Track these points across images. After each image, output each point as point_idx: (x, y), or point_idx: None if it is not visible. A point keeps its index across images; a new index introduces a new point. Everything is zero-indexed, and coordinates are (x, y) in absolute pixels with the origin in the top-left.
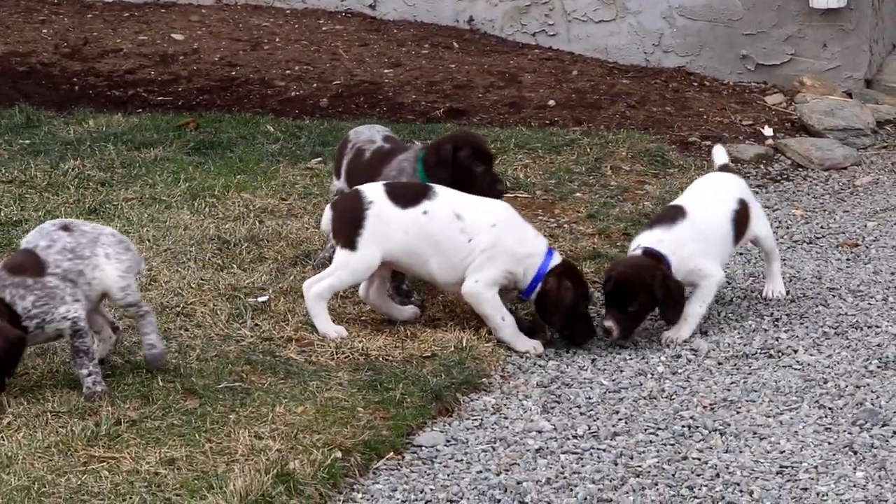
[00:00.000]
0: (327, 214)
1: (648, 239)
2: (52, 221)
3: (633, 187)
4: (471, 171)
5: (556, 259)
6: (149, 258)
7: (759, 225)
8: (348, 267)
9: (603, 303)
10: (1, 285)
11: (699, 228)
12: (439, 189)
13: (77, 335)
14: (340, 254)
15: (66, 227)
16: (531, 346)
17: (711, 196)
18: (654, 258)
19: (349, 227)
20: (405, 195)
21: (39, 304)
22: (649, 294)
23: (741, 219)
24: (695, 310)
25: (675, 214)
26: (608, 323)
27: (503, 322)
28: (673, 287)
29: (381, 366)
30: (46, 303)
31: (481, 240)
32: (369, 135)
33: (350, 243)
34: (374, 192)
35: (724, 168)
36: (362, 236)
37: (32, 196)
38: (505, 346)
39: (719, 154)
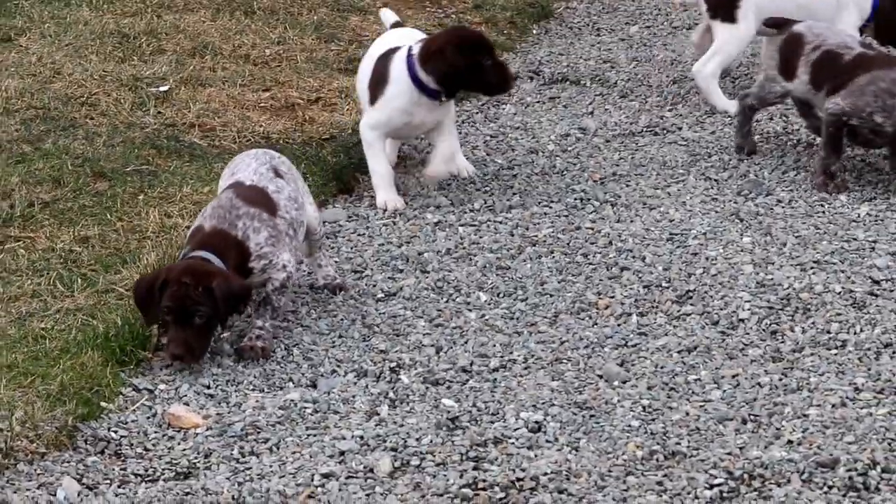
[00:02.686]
0: None
1: None
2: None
3: None
4: None
5: None
6: (51, 52)
7: None
8: (732, 40)
9: None
10: None
11: None
12: None
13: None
14: (722, 29)
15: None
16: None
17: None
18: None
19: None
20: None
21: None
22: None
23: None
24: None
25: None
26: None
27: None
28: None
29: (283, 147)
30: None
31: None
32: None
33: (730, 17)
34: None
35: (396, 25)
36: (741, 8)
37: None
38: None
39: (387, 15)
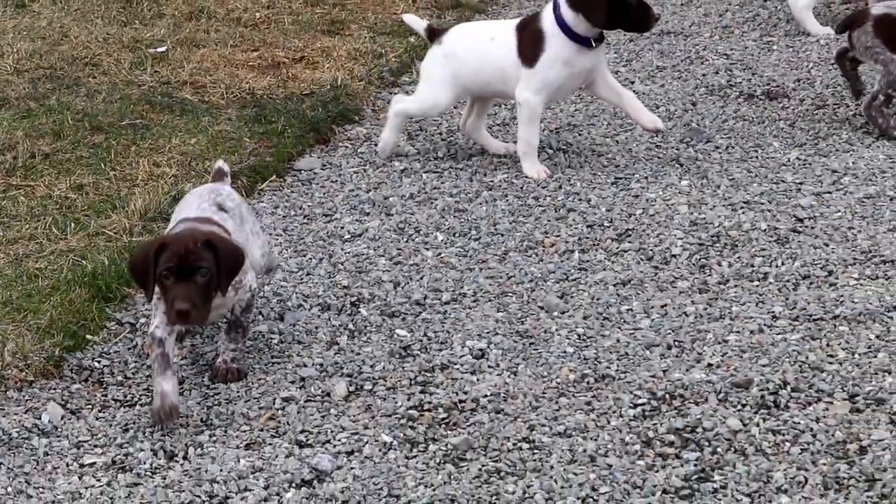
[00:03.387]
0: None
1: None
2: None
3: None
4: None
5: None
6: (60, 17)
7: None
8: None
9: None
10: None
11: None
12: None
13: None
14: None
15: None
16: None
17: None
18: None
19: None
20: None
21: None
22: None
23: None
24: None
25: None
26: None
27: None
28: None
29: (266, 103)
30: None
31: None
32: None
33: None
34: None
35: (431, 30)
36: None
37: None
38: (376, 84)
39: (415, 21)
